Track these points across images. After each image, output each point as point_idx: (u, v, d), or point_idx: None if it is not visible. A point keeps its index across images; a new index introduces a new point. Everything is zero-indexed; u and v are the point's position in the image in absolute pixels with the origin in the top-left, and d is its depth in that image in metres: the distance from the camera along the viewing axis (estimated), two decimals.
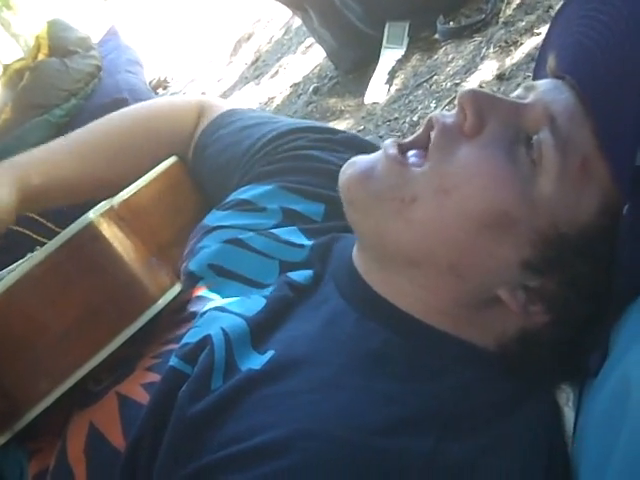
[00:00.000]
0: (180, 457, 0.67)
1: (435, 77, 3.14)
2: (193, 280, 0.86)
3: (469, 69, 3.01)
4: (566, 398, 0.76)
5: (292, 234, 0.87)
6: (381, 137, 2.94)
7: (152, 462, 0.69)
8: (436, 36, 3.35)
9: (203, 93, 5.20)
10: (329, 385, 0.68)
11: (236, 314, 0.78)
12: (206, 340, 0.75)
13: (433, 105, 2.95)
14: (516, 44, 2.94)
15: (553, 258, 0.68)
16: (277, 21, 5.41)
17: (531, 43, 2.88)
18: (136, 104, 1.20)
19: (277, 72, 4.58)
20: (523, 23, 3.03)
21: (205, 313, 0.80)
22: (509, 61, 2.87)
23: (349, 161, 0.76)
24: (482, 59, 3.01)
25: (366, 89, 3.38)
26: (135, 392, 0.76)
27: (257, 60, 5.12)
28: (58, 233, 0.80)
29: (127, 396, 0.76)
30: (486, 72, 2.91)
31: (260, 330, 0.76)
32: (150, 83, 3.96)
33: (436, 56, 3.27)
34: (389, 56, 3.38)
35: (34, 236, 1.16)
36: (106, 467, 0.72)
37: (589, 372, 0.68)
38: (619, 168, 0.66)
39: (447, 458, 0.63)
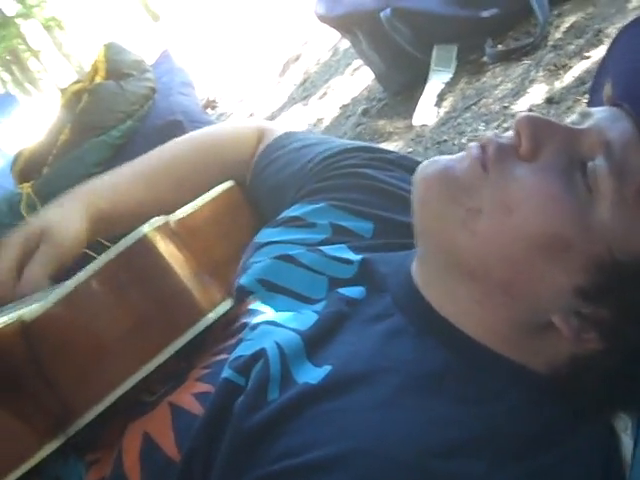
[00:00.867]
0: (236, 469, 0.68)
1: (484, 100, 3.13)
2: (244, 294, 0.87)
3: (518, 92, 3.00)
4: (624, 426, 0.75)
5: (341, 251, 0.88)
6: None
7: (207, 472, 0.70)
8: (484, 59, 3.35)
9: (251, 114, 5.26)
10: (387, 404, 0.68)
11: (289, 329, 0.79)
12: (260, 353, 0.76)
13: (482, 128, 2.95)
14: (565, 67, 2.93)
15: (607, 285, 0.68)
16: (325, 43, 5.45)
17: (580, 66, 2.86)
18: (200, 130, 1.23)
19: (325, 93, 4.61)
20: (572, 47, 3.02)
21: (257, 326, 0.81)
22: (558, 84, 2.86)
23: (431, 159, 0.76)
24: (531, 82, 3.00)
25: (414, 111, 3.39)
26: (186, 402, 0.77)
27: (305, 81, 5.15)
28: None
29: (179, 405, 0.77)
30: (535, 95, 2.90)
31: (315, 344, 0.76)
32: None
33: (484, 79, 3.27)
34: (437, 79, 3.40)
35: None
36: (160, 476, 0.74)
37: None
38: None
39: None
